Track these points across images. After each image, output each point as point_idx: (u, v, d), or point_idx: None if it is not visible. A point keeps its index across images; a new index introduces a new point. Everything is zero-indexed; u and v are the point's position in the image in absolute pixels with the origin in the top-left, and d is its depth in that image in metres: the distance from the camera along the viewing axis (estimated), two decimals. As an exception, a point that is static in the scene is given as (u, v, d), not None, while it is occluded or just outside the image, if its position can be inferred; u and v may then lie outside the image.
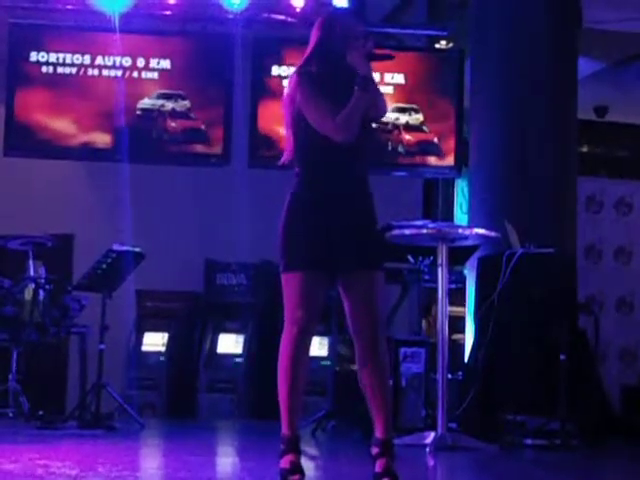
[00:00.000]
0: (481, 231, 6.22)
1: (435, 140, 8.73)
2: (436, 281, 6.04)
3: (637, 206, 10.25)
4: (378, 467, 3.82)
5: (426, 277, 6.80)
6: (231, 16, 8.54)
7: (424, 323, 8.66)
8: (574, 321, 6.96)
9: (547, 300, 6.54)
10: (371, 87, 3.96)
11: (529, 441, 6.15)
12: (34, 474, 4.12)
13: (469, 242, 6.28)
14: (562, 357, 6.28)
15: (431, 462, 5.44)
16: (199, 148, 8.65)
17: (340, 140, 3.89)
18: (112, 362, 7.50)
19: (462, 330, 8.11)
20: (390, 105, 8.59)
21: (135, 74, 8.61)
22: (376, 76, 8.44)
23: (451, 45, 9.41)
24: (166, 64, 8.64)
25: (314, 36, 4.06)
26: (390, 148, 8.68)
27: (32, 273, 7.10)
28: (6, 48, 8.58)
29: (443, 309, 5.97)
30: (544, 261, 6.55)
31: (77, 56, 8.57)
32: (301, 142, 3.99)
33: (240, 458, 5.62)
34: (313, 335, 4.00)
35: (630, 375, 9.70)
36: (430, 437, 5.78)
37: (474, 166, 8.16)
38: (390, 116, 8.60)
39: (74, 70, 8.57)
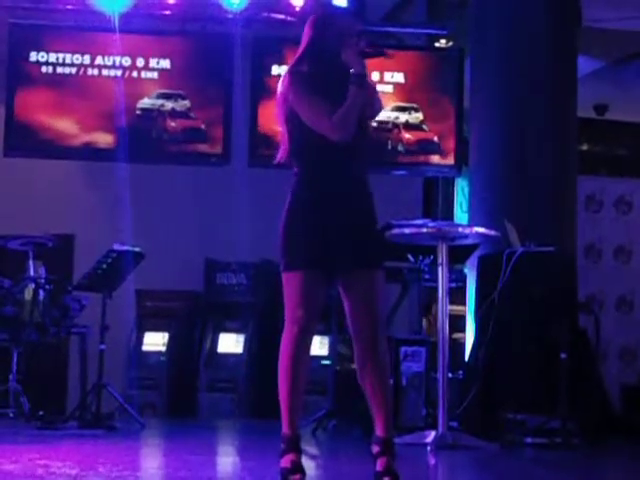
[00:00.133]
0: (481, 230, 6.22)
1: (435, 139, 8.72)
2: (436, 280, 6.04)
3: (637, 205, 10.25)
4: (379, 466, 3.82)
5: (426, 276, 6.81)
6: (231, 16, 8.54)
7: (424, 322, 8.66)
8: (574, 320, 6.96)
9: (547, 299, 6.54)
10: (366, 84, 3.94)
11: (529, 440, 6.15)
12: (34, 474, 4.12)
13: (469, 241, 6.28)
14: (562, 356, 6.28)
15: (432, 461, 5.44)
16: (199, 148, 8.65)
17: (337, 139, 3.87)
18: (112, 362, 7.50)
19: (462, 329, 8.11)
20: (390, 104, 8.61)
21: (135, 74, 8.61)
22: (376, 75, 8.61)
23: (451, 44, 9.40)
24: (166, 64, 8.64)
25: (306, 35, 4.03)
26: (390, 147, 8.68)
27: (32, 273, 7.10)
28: (6, 48, 8.58)
29: (443, 308, 5.97)
30: (544, 260, 6.55)
31: (77, 56, 8.57)
32: (297, 141, 3.98)
33: (241, 457, 5.62)
34: (313, 334, 3.99)
35: (630, 374, 9.70)
36: (431, 436, 5.78)
37: (474, 165, 8.16)
38: (390, 115, 8.61)
39: (74, 70, 8.57)
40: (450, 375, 6.11)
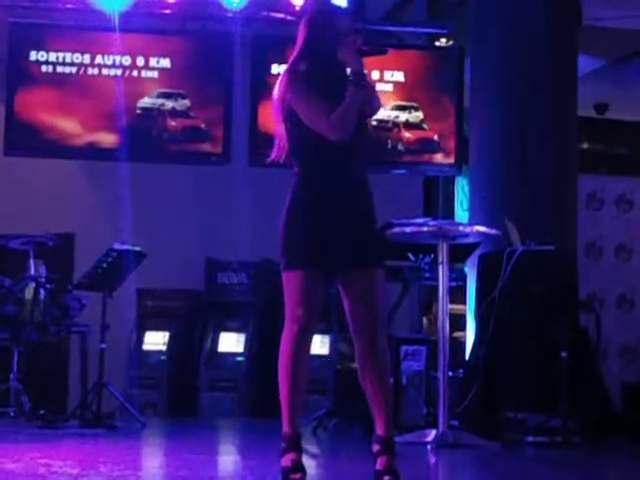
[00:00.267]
0: (482, 229, 6.23)
1: (435, 138, 8.72)
2: (437, 279, 6.05)
3: (638, 203, 10.25)
4: (379, 465, 3.82)
5: (427, 275, 6.81)
6: (231, 14, 8.54)
7: (425, 321, 8.67)
8: (575, 318, 6.96)
9: (548, 297, 6.54)
10: (365, 83, 3.92)
11: (530, 438, 6.15)
12: (36, 473, 4.13)
13: (470, 240, 6.28)
14: (563, 354, 6.28)
15: (432, 459, 5.45)
16: (199, 147, 8.64)
17: (335, 139, 3.86)
18: (113, 361, 7.50)
19: (463, 328, 8.11)
20: (390, 103, 8.60)
21: (135, 73, 8.61)
22: (376, 73, 8.61)
23: (451, 43, 9.40)
24: (166, 63, 8.64)
25: (302, 33, 4.00)
26: (390, 146, 8.68)
27: (33, 272, 7.10)
28: (6, 47, 8.58)
29: (444, 307, 5.98)
30: (545, 258, 6.55)
31: (77, 55, 8.57)
32: (296, 141, 3.97)
33: (241, 456, 5.63)
34: (314, 333, 3.99)
35: (631, 372, 9.70)
36: (431, 435, 5.78)
37: (474, 164, 8.16)
38: (390, 114, 8.61)
39: (74, 69, 8.56)
40: (450, 374, 6.11)
